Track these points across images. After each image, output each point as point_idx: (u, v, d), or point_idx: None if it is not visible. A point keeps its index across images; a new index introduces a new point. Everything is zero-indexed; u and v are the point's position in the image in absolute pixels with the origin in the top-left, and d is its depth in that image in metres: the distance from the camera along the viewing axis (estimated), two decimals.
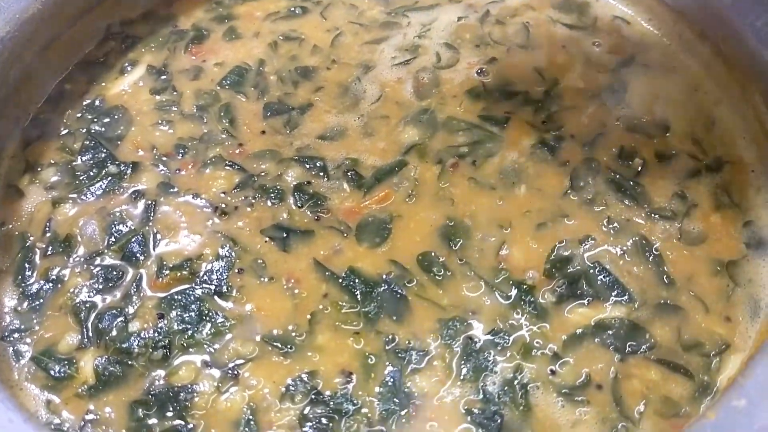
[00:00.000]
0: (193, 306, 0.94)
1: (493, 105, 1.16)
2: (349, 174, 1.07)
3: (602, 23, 1.29)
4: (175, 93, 1.20)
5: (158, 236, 1.01)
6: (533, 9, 1.32)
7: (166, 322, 0.93)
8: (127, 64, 1.25)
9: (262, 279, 0.97)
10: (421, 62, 1.23)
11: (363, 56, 1.24)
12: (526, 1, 1.33)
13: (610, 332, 0.91)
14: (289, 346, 0.91)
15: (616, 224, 1.01)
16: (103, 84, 1.22)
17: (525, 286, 0.95)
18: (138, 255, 0.99)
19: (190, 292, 0.96)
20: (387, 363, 0.89)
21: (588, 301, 0.94)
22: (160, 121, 1.15)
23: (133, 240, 1.00)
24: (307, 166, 1.09)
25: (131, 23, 1.31)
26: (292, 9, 1.33)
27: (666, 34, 1.26)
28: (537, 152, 1.10)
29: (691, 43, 1.21)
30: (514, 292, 0.95)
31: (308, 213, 1.04)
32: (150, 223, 1.03)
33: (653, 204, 1.04)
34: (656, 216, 1.02)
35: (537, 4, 1.33)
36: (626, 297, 0.94)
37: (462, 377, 0.88)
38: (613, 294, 0.94)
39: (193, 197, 1.06)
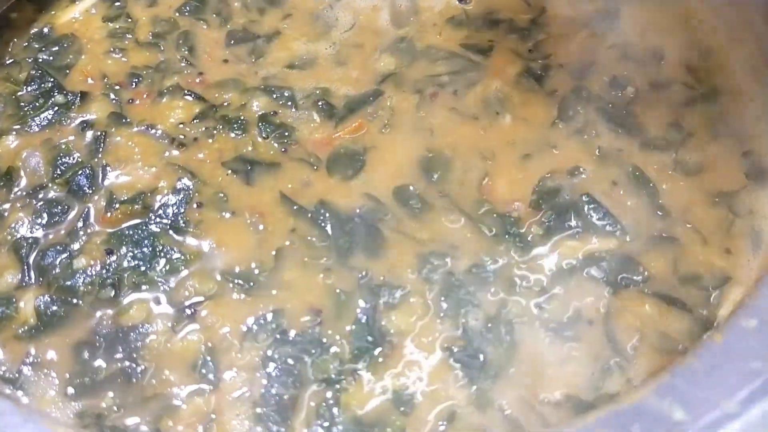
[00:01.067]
0: (145, 241, 0.86)
1: (475, 33, 1.09)
2: (319, 104, 0.99)
3: None
4: (129, 20, 1.10)
5: (108, 169, 0.93)
6: None
7: (115, 258, 0.85)
8: None
9: (223, 213, 0.89)
10: None
11: None
12: None
13: (601, 265, 0.84)
14: (251, 283, 0.83)
15: (607, 154, 0.94)
16: (53, 12, 1.13)
17: (510, 219, 0.88)
18: (85, 188, 0.91)
19: (143, 227, 0.87)
20: (360, 300, 0.82)
21: (577, 233, 0.87)
22: (112, 50, 1.06)
23: (80, 173, 0.92)
24: (274, 96, 1.00)
25: None
26: None
27: None
28: (523, 81, 1.02)
29: None
30: (498, 224, 0.87)
31: (274, 144, 0.95)
32: (99, 155, 0.94)
33: (647, 133, 0.96)
34: (650, 146, 0.95)
35: None
36: (618, 229, 0.87)
37: (441, 314, 0.81)
38: (604, 226, 0.87)
39: (147, 128, 0.97)
